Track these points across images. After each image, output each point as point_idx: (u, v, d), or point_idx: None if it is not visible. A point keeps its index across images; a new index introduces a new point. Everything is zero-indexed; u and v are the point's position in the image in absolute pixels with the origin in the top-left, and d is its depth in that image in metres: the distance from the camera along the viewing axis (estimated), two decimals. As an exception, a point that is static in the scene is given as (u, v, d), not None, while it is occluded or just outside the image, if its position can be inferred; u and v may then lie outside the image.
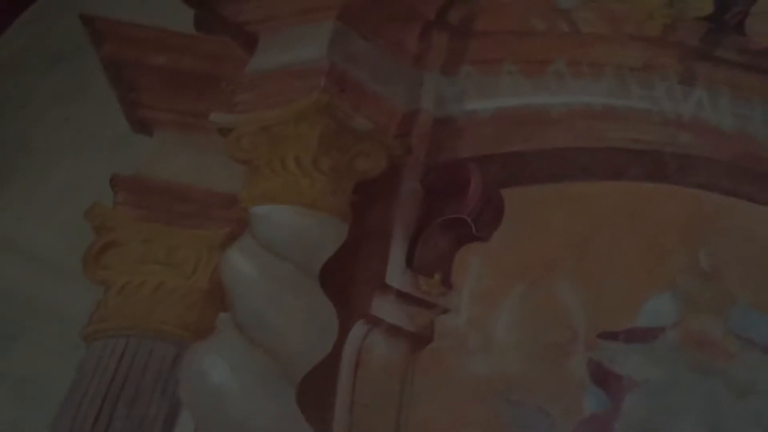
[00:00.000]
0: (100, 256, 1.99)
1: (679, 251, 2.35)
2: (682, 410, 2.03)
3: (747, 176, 2.60)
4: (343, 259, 2.10)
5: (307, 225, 2.10)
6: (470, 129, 2.50)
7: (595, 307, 2.17)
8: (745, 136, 2.72)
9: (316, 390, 1.88)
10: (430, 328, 2.05)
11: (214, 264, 1.96)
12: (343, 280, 2.08)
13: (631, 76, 2.79)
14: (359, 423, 1.85)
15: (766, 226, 2.49)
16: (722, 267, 2.34)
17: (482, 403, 1.95)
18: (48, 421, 1.92)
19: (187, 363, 1.80)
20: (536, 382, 2.00)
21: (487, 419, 1.93)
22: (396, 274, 2.10)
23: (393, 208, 2.22)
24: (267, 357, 1.82)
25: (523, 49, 2.80)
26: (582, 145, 2.53)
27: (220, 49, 2.44)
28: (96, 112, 2.32)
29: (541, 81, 2.71)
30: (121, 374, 1.79)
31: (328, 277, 2.05)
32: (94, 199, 2.06)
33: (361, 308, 2.02)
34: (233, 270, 1.95)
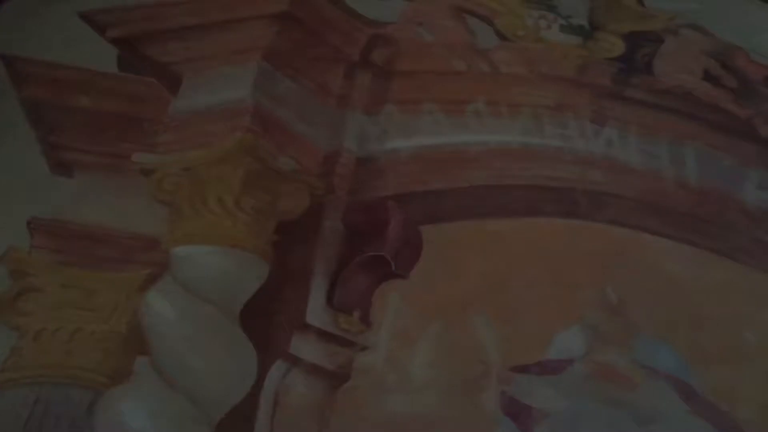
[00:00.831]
0: (15, 302, 1.98)
1: (587, 285, 2.46)
2: (589, 440, 2.14)
3: (653, 211, 2.75)
4: (264, 298, 2.14)
5: (228, 265, 2.13)
6: (391, 168, 2.58)
7: (509, 341, 2.26)
8: (652, 173, 2.88)
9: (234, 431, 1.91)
10: (348, 366, 2.10)
11: (133, 308, 1.97)
12: (264, 320, 2.11)
13: (546, 115, 2.92)
14: (276, 464, 1.89)
15: (669, 259, 2.64)
16: (628, 299, 2.46)
17: (394, 440, 2.01)
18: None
19: (104, 409, 1.80)
20: (451, 419, 2.07)
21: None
22: (316, 313, 2.14)
23: (315, 246, 2.27)
24: (185, 400, 1.84)
25: (443, 88, 2.90)
26: (499, 183, 2.64)
27: (143, 89, 2.45)
28: (15, 154, 2.30)
29: (460, 120, 2.81)
30: (34, 423, 1.78)
31: (249, 317, 2.08)
32: (11, 242, 2.05)
33: (280, 348, 2.06)
34: (152, 312, 1.97)
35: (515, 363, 2.22)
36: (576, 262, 2.51)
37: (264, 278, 2.18)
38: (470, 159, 2.68)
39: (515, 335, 2.28)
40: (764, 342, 2.48)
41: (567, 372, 2.24)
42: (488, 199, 2.59)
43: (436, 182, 2.58)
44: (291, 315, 2.14)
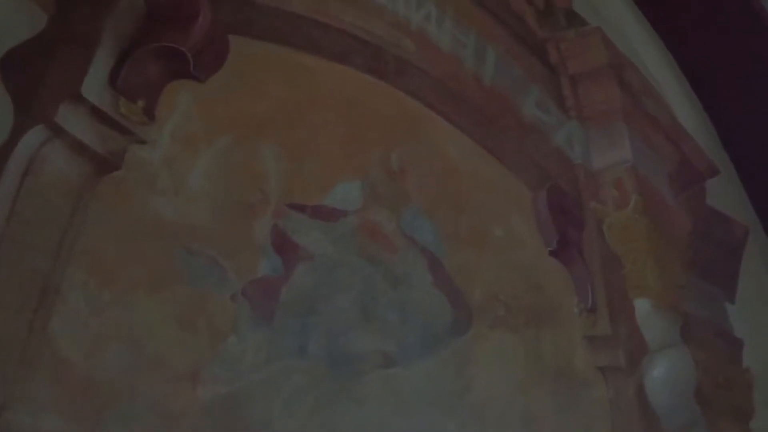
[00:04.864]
0: None
1: (376, 145, 2.46)
2: (343, 288, 2.17)
3: (448, 96, 2.80)
4: (36, 54, 1.81)
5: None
6: (213, -40, 2.28)
7: (292, 177, 2.18)
8: (456, 60, 2.93)
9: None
10: (120, 155, 1.86)
11: None
12: (31, 77, 1.78)
13: (380, -33, 2.80)
14: (15, 237, 1.63)
15: (451, 144, 2.73)
16: (408, 170, 2.51)
17: (158, 245, 1.85)
18: None
19: None
20: (218, 236, 1.96)
21: (159, 261, 1.84)
22: (94, 88, 1.85)
23: (107, 15, 1.94)
24: None
25: None
26: (317, 18, 2.48)
27: None
28: None
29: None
30: None
31: (13, 70, 1.75)
32: None
33: (45, 113, 1.76)
34: None
35: (294, 200, 2.15)
36: (371, 120, 2.49)
37: (38, 29, 1.83)
38: (296, -18, 2.47)
39: (300, 173, 2.21)
40: (506, 241, 2.70)
41: (339, 222, 2.24)
42: (303, 30, 2.43)
43: (258, -7, 2.34)
44: (64, 81, 1.82)
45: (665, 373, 2.80)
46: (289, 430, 1.90)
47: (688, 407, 2.85)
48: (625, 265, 2.99)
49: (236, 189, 2.05)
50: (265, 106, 2.21)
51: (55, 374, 1.61)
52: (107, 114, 1.86)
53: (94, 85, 1.86)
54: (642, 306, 2.93)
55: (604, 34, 3.51)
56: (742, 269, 3.66)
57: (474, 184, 2.68)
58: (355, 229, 2.26)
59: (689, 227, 3.40)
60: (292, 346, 1.99)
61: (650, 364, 2.83)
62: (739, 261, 3.68)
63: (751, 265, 3.77)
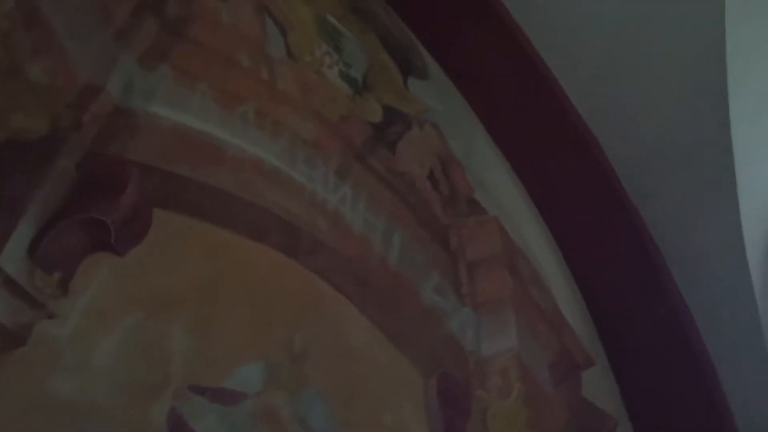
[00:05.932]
0: None
1: (282, 327, 2.51)
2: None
3: (355, 278, 2.92)
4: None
5: None
6: (147, 132, 2.37)
7: (197, 357, 2.19)
8: (366, 243, 3.07)
9: None
10: (27, 329, 1.83)
11: None
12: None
13: (302, 149, 2.96)
14: None
15: (354, 328, 2.82)
16: (310, 352, 2.56)
17: (52, 424, 1.80)
18: None
19: None
20: (116, 418, 1.92)
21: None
22: (13, 257, 1.84)
23: (38, 183, 1.96)
24: None
25: (222, 76, 2.78)
26: (240, 194, 2.58)
27: None
28: None
29: (228, 117, 2.71)
30: None
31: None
32: None
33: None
34: None
35: (197, 381, 2.15)
36: (279, 300, 2.56)
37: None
38: (225, 159, 2.59)
39: (205, 353, 2.22)
40: (393, 429, 2.75)
41: (238, 405, 2.24)
42: (227, 206, 2.51)
43: (185, 168, 2.43)
44: (-18, 247, 1.81)
45: None
46: None
47: None
48: (506, 456, 3.09)
49: (140, 368, 2.03)
50: (180, 282, 2.24)
51: None
52: (21, 286, 1.84)
53: (14, 254, 1.86)
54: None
55: (500, 223, 3.78)
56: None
57: (371, 370, 2.75)
58: (253, 414, 2.27)
59: (565, 418, 3.57)
60: None
61: None
62: (605, 452, 3.87)
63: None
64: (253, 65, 2.95)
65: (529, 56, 4.10)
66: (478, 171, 4.07)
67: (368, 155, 3.33)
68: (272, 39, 3.12)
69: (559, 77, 4.05)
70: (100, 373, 1.94)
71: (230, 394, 2.23)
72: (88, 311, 1.98)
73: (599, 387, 4.07)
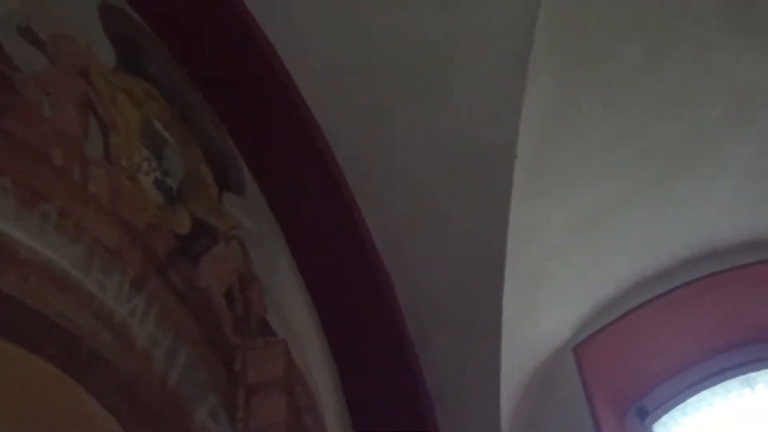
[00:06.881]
0: None
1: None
2: None
3: (129, 396, 2.85)
4: None
5: None
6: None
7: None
8: (148, 360, 3.01)
9: None
10: None
11: None
12: None
13: (100, 256, 2.90)
14: None
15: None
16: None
17: None
18: None
19: None
20: None
21: None
22: None
23: None
24: None
25: (30, 171, 2.70)
26: (26, 301, 2.48)
27: None
28: None
29: (27, 214, 2.62)
30: None
31: None
32: None
33: None
34: None
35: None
36: (45, 417, 2.46)
37: None
38: (16, 261, 2.50)
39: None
40: None
41: None
42: (8, 313, 2.41)
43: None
44: None
45: None
46: None
47: None
48: None
49: None
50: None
51: None
52: None
53: None
54: None
55: (287, 346, 3.86)
56: None
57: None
58: None
59: None
60: None
61: None
62: None
63: None
64: (66, 163, 2.89)
65: (342, 194, 4.37)
66: (276, 292, 4.17)
67: (169, 267, 3.30)
68: (92, 138, 3.09)
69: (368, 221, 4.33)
70: None
71: None
72: None
73: None
